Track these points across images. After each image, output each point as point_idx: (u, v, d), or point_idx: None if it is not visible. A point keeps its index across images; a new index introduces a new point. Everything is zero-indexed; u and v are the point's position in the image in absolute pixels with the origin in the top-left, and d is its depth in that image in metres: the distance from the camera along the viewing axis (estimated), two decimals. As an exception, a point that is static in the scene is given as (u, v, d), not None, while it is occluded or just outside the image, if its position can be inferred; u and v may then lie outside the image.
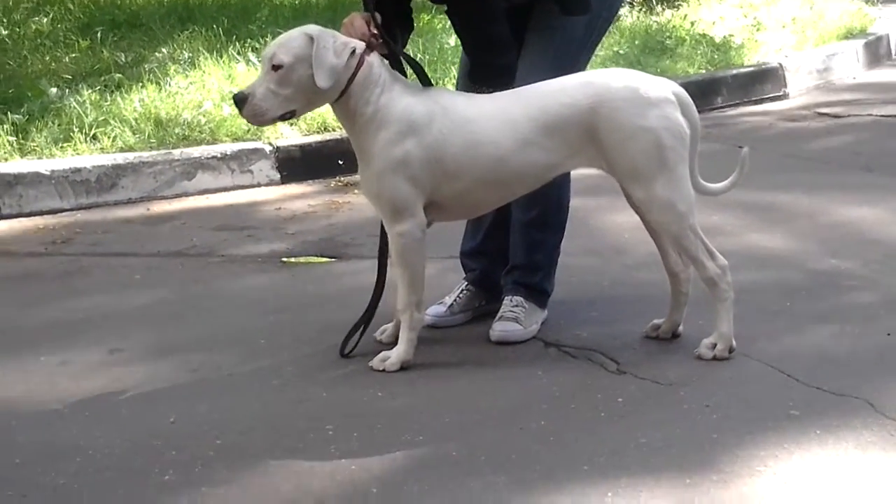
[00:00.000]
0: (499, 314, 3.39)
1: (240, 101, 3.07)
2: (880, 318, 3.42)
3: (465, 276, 3.61)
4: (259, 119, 3.10)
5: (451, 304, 3.52)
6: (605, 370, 3.12)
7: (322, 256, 4.39)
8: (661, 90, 3.09)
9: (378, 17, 3.12)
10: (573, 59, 3.34)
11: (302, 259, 4.36)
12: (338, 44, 3.02)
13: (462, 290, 3.56)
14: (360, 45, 3.06)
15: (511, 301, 3.42)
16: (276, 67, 3.02)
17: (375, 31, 3.11)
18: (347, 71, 3.04)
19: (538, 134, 3.06)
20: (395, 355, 3.15)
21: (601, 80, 3.11)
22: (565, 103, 3.07)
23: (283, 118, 3.12)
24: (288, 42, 3.05)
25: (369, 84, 3.06)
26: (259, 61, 3.13)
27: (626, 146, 3.04)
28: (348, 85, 3.05)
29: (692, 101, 3.16)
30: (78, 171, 5.24)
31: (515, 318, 3.36)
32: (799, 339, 3.29)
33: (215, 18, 7.76)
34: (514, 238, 3.47)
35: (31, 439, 2.78)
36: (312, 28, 3.08)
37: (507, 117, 3.09)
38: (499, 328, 3.35)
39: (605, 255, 3.55)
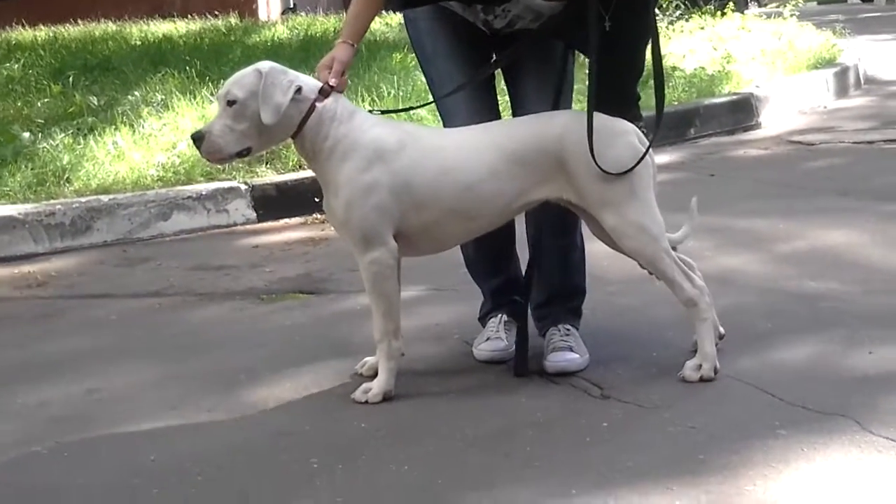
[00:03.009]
0: (550, 345, 3.33)
1: (197, 139, 3.07)
2: (861, 338, 3.42)
3: (495, 310, 3.53)
4: (217, 156, 3.08)
5: (505, 337, 3.44)
6: (588, 395, 3.10)
7: (300, 293, 4.37)
8: (623, 123, 3.12)
9: (340, 63, 3.12)
10: (572, 88, 3.37)
11: (280, 296, 4.33)
12: (285, 81, 3.02)
13: (503, 321, 3.48)
14: (311, 87, 3.07)
15: (560, 330, 3.37)
16: (230, 103, 3.03)
17: (333, 81, 3.10)
18: (298, 113, 3.05)
19: (507, 162, 3.06)
20: (376, 386, 3.12)
21: (568, 113, 3.13)
22: (534, 133, 3.08)
23: (240, 155, 3.09)
24: (241, 78, 3.05)
25: (323, 122, 3.06)
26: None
27: (596, 174, 3.03)
28: (302, 126, 3.06)
29: (647, 140, 3.16)
30: (52, 214, 5.21)
31: (570, 346, 3.31)
32: (782, 359, 3.28)
33: (188, 61, 7.78)
34: (550, 264, 3.40)
35: (9, 481, 2.73)
36: (264, 64, 3.08)
37: (476, 146, 3.09)
38: (556, 359, 3.28)
39: (584, 282, 3.59)
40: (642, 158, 3.05)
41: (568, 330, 3.37)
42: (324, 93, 3.08)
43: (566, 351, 3.29)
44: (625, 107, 3.21)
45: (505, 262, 3.55)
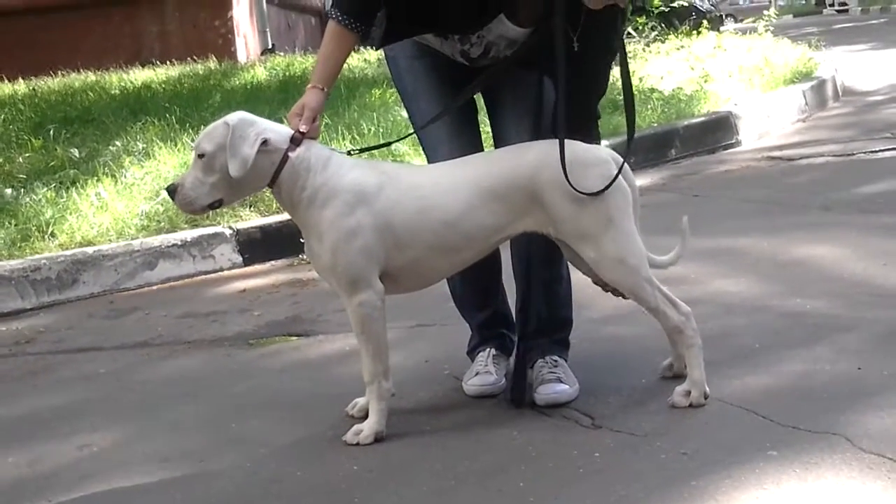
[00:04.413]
0: (539, 377, 3.33)
1: (171, 191, 3.11)
2: (849, 353, 3.43)
3: (482, 344, 3.55)
4: (189, 207, 3.12)
5: (494, 371, 3.45)
6: (579, 426, 3.10)
7: (289, 335, 4.36)
8: (598, 152, 3.14)
9: (310, 110, 3.13)
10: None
11: (269, 340, 4.33)
12: (252, 134, 3.03)
13: (492, 355, 3.50)
14: (283, 137, 3.07)
15: (548, 362, 3.37)
16: (200, 156, 3.06)
17: (304, 128, 3.10)
18: (271, 164, 3.06)
19: (484, 198, 3.07)
20: (367, 428, 3.12)
21: (542, 146, 3.13)
22: (509, 168, 3.10)
23: (211, 207, 3.12)
24: (212, 131, 3.07)
25: (298, 172, 3.07)
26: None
27: (570, 207, 3.06)
28: (276, 177, 3.07)
29: (628, 166, 3.17)
30: (37, 269, 5.21)
31: (558, 377, 3.32)
32: (772, 379, 3.28)
33: (167, 108, 7.79)
34: (536, 297, 3.41)
35: (3, 543, 2.73)
36: (233, 116, 3.09)
37: (453, 182, 3.10)
38: (546, 391, 3.28)
39: (570, 311, 3.60)
40: (614, 180, 3.05)
41: (556, 361, 3.37)
42: (295, 141, 3.09)
43: (555, 382, 3.29)
44: (586, 126, 3.24)
45: (492, 297, 3.56)
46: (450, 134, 3.38)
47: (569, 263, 3.43)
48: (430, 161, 3.44)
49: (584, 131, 3.21)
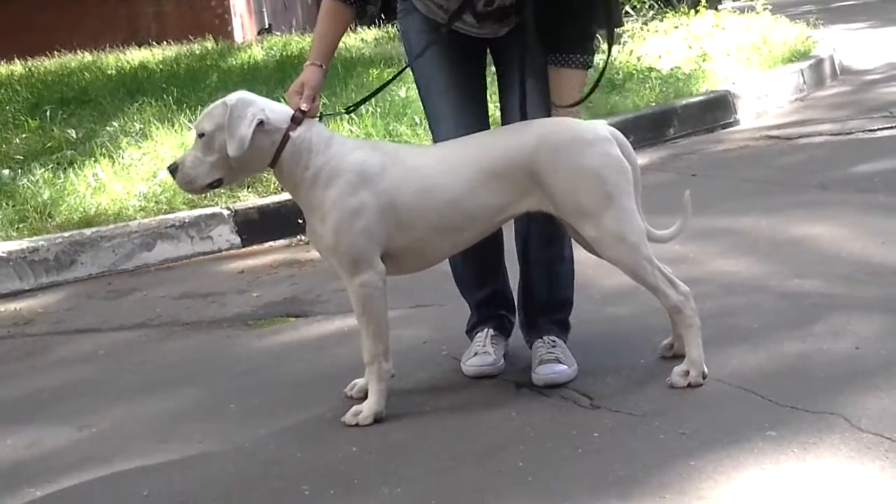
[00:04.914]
0: (537, 357, 3.34)
1: (172, 170, 3.13)
2: (848, 333, 3.43)
3: (481, 324, 3.55)
4: (189, 186, 3.12)
5: (493, 352, 3.46)
6: (578, 406, 3.10)
7: (288, 316, 4.36)
8: (598, 130, 3.15)
9: (310, 89, 3.13)
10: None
11: (268, 320, 4.33)
12: (249, 114, 3.02)
13: (490, 335, 3.50)
14: (283, 116, 3.08)
15: (546, 342, 3.38)
16: (200, 136, 3.06)
17: (304, 106, 3.11)
18: (271, 144, 3.06)
19: (486, 177, 3.08)
20: (367, 408, 3.12)
21: (541, 126, 3.15)
22: (509, 147, 3.11)
23: (211, 186, 3.12)
24: (211, 111, 3.08)
25: (300, 152, 3.07)
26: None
27: (570, 186, 3.07)
28: (278, 157, 3.07)
29: (629, 144, 3.20)
30: (35, 250, 5.20)
31: (557, 358, 3.32)
32: (770, 359, 3.29)
33: (164, 89, 7.76)
34: (536, 276, 3.43)
35: (3, 524, 2.73)
36: (232, 96, 3.09)
37: (455, 162, 3.11)
38: (545, 371, 3.28)
39: (570, 291, 3.60)
40: (591, 92, 3.22)
41: (554, 342, 3.37)
42: (296, 120, 3.09)
43: (554, 363, 3.29)
44: (582, 44, 3.30)
45: (492, 274, 3.56)
46: (455, 108, 3.39)
47: (572, 244, 3.43)
48: (434, 134, 3.45)
49: (582, 49, 3.28)
